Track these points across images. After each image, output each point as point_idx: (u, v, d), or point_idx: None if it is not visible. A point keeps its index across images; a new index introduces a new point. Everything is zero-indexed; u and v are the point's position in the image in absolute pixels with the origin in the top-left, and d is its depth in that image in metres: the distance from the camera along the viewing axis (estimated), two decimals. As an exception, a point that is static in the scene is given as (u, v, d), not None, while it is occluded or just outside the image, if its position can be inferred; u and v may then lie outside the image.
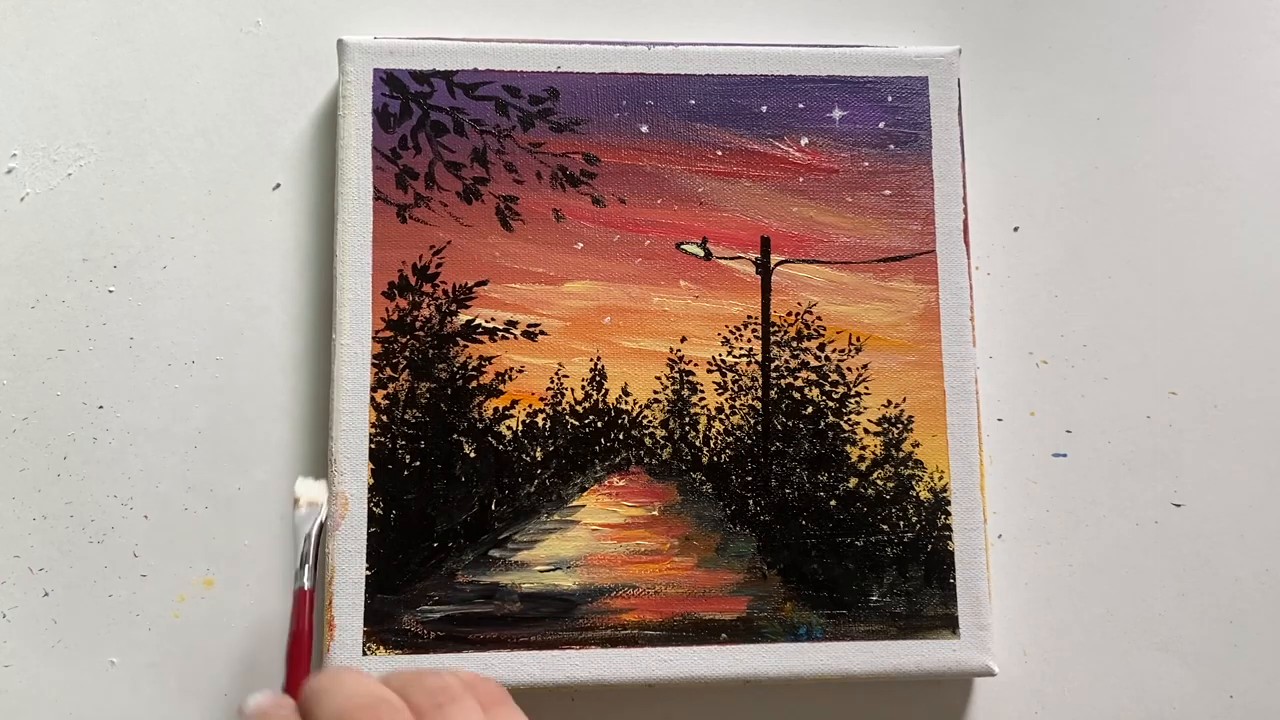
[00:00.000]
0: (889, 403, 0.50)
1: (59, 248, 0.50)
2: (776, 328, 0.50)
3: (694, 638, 0.47)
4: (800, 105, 0.51)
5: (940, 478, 0.49)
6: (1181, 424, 0.52)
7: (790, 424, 0.50)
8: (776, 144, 0.51)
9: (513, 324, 0.49)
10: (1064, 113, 0.55)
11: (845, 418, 0.50)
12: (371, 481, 0.47)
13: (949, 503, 0.49)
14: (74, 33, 0.52)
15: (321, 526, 0.45)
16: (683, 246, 0.50)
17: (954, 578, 0.48)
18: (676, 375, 0.49)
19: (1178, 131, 0.55)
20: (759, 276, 0.50)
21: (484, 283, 0.49)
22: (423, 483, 0.48)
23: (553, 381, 0.49)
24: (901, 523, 0.49)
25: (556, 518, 0.48)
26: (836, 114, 0.51)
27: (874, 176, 0.51)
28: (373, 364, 0.48)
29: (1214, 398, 0.53)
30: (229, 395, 0.50)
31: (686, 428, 0.49)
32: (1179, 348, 0.53)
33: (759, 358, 0.50)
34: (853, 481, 0.49)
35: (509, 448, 0.48)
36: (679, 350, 0.50)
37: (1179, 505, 0.52)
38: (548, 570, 0.48)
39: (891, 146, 0.51)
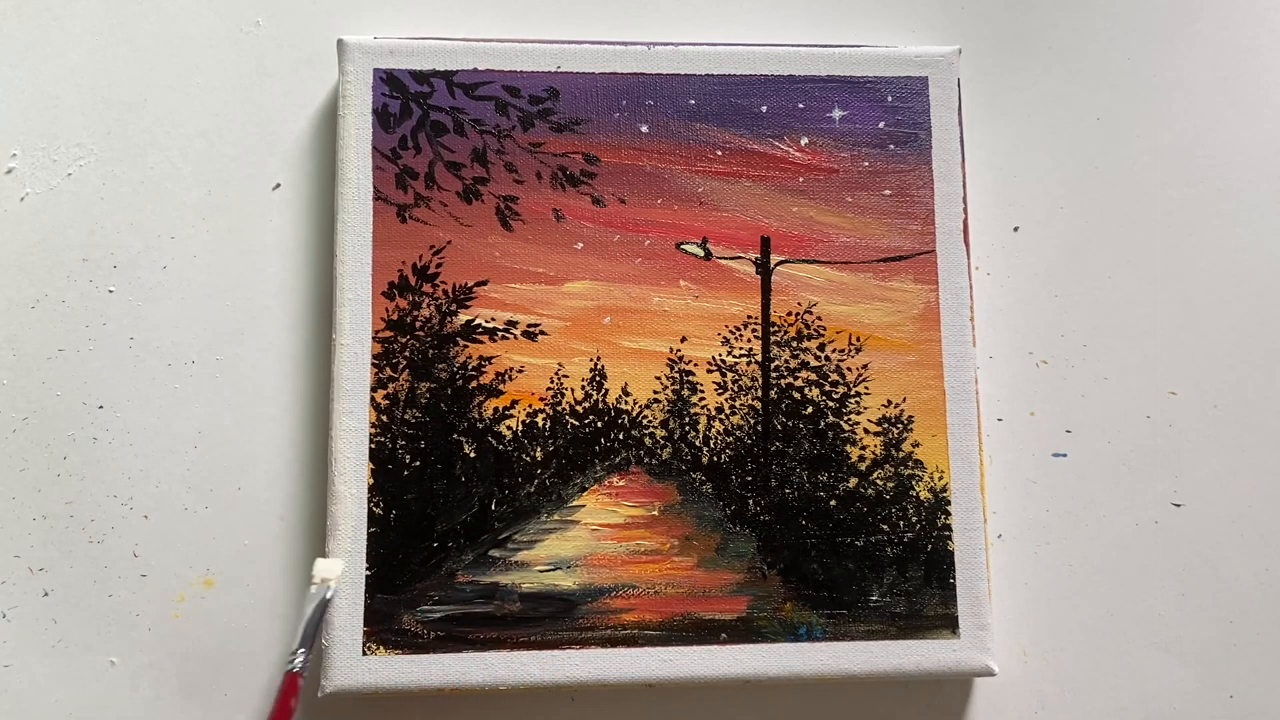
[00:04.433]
0: (889, 403, 0.50)
1: (59, 248, 0.50)
2: (776, 328, 0.50)
3: (694, 638, 0.47)
4: (800, 105, 0.51)
5: (940, 478, 0.49)
6: (1181, 424, 0.52)
7: (790, 424, 0.50)
8: (776, 144, 0.51)
9: (513, 324, 0.49)
10: (1064, 113, 0.55)
11: (845, 418, 0.50)
12: (371, 481, 0.47)
13: (949, 503, 0.49)
14: (74, 33, 0.52)
15: (325, 604, 0.45)
16: (683, 246, 0.50)
17: (954, 578, 0.48)
18: (676, 375, 0.49)
19: (1178, 131, 0.55)
20: (759, 276, 0.50)
21: (484, 283, 0.49)
22: (423, 483, 0.48)
23: (553, 381, 0.49)
24: (901, 523, 0.49)
25: (556, 518, 0.48)
26: (836, 114, 0.51)
27: (874, 176, 0.51)
28: (373, 364, 0.48)
29: (1214, 398, 0.53)
30: (229, 395, 0.50)
31: (686, 428, 0.49)
32: (1179, 348, 0.53)
33: (759, 358, 0.50)
34: (853, 481, 0.49)
35: (509, 448, 0.48)
36: (679, 350, 0.50)
37: (1179, 505, 0.52)
38: (548, 570, 0.48)
39: (891, 146, 0.51)
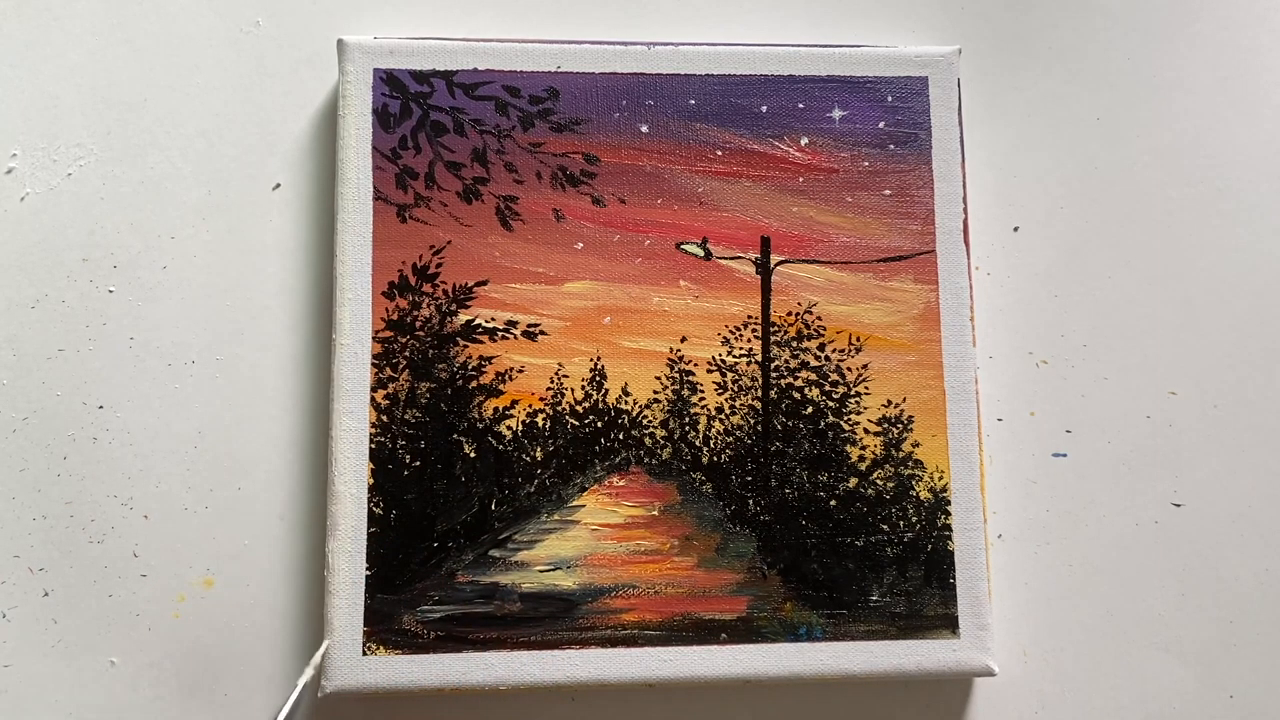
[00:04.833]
0: (889, 403, 0.50)
1: (59, 248, 0.50)
2: (776, 328, 0.50)
3: (694, 638, 0.47)
4: (800, 105, 0.51)
5: (940, 478, 0.49)
6: (1181, 424, 0.52)
7: (790, 424, 0.50)
8: (776, 144, 0.51)
9: (513, 324, 0.49)
10: (1064, 113, 0.55)
11: (845, 418, 0.50)
12: (371, 481, 0.47)
13: (949, 503, 0.49)
14: (74, 33, 0.52)
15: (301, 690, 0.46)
16: (683, 246, 0.50)
17: (954, 578, 0.48)
18: (676, 375, 0.49)
19: (1178, 131, 0.55)
20: (759, 276, 0.50)
21: (484, 283, 0.49)
22: (423, 483, 0.48)
23: (553, 381, 0.49)
24: (901, 523, 0.49)
25: (556, 518, 0.48)
26: (836, 114, 0.51)
27: (874, 176, 0.51)
28: (373, 364, 0.48)
29: (1214, 398, 0.53)
30: (229, 395, 0.50)
31: (686, 428, 0.49)
32: (1179, 348, 0.53)
33: (759, 358, 0.50)
34: (853, 481, 0.49)
35: (509, 448, 0.48)
36: (679, 350, 0.50)
37: (1179, 505, 0.52)
38: (548, 570, 0.48)
39: (891, 146, 0.51)
